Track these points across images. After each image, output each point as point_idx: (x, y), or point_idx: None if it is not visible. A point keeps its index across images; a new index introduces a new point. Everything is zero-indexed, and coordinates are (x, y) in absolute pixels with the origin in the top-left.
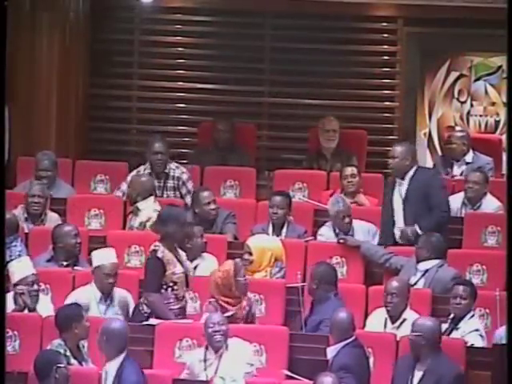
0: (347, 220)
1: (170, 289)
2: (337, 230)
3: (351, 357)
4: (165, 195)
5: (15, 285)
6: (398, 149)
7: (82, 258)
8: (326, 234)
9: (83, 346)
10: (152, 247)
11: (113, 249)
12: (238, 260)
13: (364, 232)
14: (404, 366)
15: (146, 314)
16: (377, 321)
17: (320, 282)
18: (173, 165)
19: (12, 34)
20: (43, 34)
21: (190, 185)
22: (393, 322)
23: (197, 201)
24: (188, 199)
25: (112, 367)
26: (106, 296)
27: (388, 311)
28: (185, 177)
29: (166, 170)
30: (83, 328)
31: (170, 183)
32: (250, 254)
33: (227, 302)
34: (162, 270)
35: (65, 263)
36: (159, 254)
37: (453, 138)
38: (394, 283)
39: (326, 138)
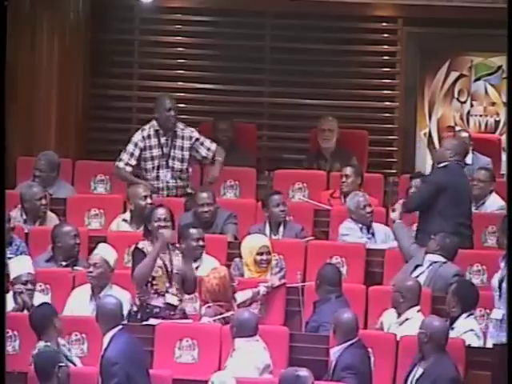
0: (368, 209)
1: (149, 284)
2: (359, 225)
3: (356, 357)
4: (172, 153)
5: (12, 283)
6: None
7: (82, 258)
8: (351, 228)
9: (64, 345)
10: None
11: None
12: (237, 260)
13: (382, 233)
14: (413, 361)
15: (133, 313)
16: (388, 320)
17: (321, 282)
18: (180, 124)
19: (12, 34)
20: (43, 34)
21: (207, 141)
22: (397, 318)
23: (194, 200)
24: (210, 155)
25: (105, 342)
26: (96, 295)
27: (394, 307)
28: (197, 135)
29: (175, 129)
30: (60, 322)
31: (179, 142)
32: (269, 253)
33: (221, 306)
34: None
35: (64, 263)
36: (139, 245)
37: (464, 139)
38: (402, 282)
39: (322, 138)
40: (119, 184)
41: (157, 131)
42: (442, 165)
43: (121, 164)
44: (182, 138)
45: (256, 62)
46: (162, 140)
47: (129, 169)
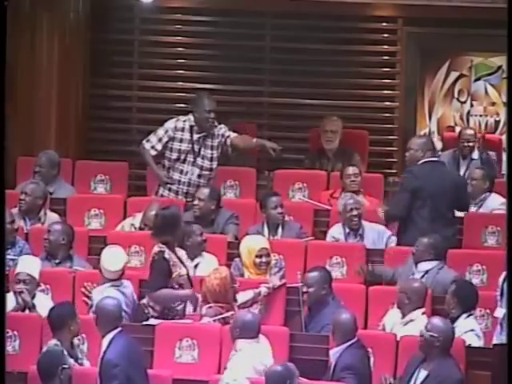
0: (355, 213)
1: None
2: (347, 230)
3: (355, 357)
4: (202, 152)
5: (13, 282)
6: (415, 140)
7: (81, 258)
8: (335, 233)
9: (77, 345)
10: (157, 248)
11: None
12: (237, 260)
13: (374, 234)
14: (413, 362)
15: (152, 318)
16: (391, 320)
17: (318, 286)
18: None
19: (12, 34)
20: (43, 34)
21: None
22: (402, 318)
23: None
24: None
25: (104, 344)
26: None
27: (398, 307)
28: (223, 131)
29: (212, 130)
30: (77, 325)
31: (209, 142)
32: (268, 255)
33: (221, 307)
34: (169, 271)
35: (56, 261)
36: (166, 255)
37: (469, 137)
38: (408, 283)
39: (325, 139)
40: (119, 184)
41: (192, 127)
42: (409, 168)
43: (147, 145)
44: (213, 136)
45: (256, 62)
46: (195, 137)
47: (153, 152)
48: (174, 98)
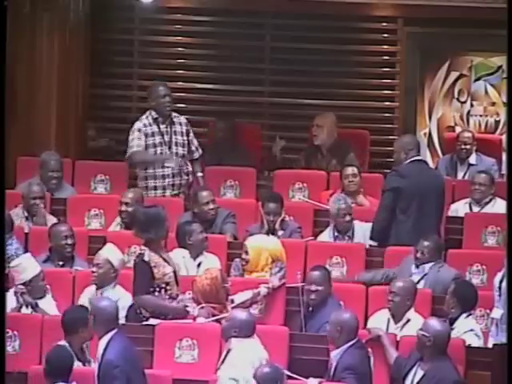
0: (348, 218)
1: (163, 290)
2: (335, 233)
3: (356, 358)
4: (173, 139)
5: (23, 283)
6: (396, 143)
7: (80, 258)
8: (324, 238)
9: (87, 347)
10: (138, 251)
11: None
12: (237, 260)
13: (364, 232)
14: (411, 359)
15: (144, 318)
16: (379, 321)
17: (326, 285)
18: (173, 112)
19: (12, 34)
20: (43, 34)
21: (196, 142)
22: (396, 322)
23: (195, 200)
24: (196, 155)
25: (101, 346)
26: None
27: (389, 309)
28: (188, 125)
29: (172, 116)
30: (88, 331)
31: (178, 128)
32: (247, 253)
33: (213, 308)
34: (150, 273)
35: (60, 263)
36: (146, 258)
37: (466, 139)
38: (398, 283)
39: (312, 134)
40: (119, 184)
41: (155, 119)
42: (394, 168)
43: (130, 150)
44: (180, 124)
45: (256, 62)
46: (162, 128)
47: (140, 148)
48: (174, 98)
